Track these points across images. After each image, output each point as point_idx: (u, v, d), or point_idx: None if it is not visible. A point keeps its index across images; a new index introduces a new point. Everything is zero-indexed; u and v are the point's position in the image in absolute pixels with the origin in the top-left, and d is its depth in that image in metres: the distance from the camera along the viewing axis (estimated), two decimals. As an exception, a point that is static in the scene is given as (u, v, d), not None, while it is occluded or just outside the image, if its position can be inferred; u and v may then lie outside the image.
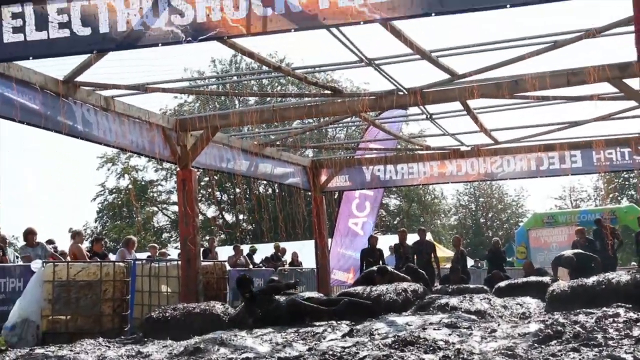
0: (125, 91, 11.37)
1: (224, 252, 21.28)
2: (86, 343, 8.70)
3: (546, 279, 12.47)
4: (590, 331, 6.83)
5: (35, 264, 11.43)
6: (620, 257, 26.58)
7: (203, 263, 13.09)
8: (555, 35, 10.12)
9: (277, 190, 40.60)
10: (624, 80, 10.97)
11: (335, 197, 24.32)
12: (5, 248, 13.49)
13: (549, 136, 15.58)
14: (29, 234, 13.41)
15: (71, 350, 8.07)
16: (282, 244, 23.18)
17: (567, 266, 13.93)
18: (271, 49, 38.86)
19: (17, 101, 9.32)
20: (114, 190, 46.83)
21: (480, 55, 10.73)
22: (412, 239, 18.21)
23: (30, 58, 7.55)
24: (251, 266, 18.99)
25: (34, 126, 9.83)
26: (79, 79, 10.26)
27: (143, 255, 17.35)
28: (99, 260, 12.96)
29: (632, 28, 8.79)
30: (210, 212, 46.95)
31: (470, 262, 23.44)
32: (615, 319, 7.33)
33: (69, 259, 13.32)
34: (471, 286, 13.02)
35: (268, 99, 15.65)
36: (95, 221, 48.69)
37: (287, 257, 22.07)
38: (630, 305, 8.01)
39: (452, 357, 6.19)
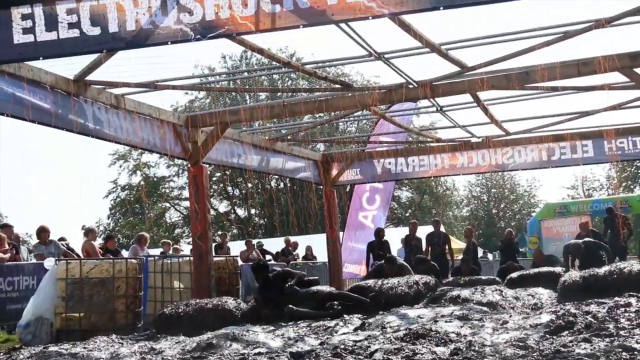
0: (135, 89, 11.41)
1: (236, 247, 21.36)
2: (99, 340, 8.75)
3: (558, 269, 12.47)
4: (602, 321, 6.84)
5: (48, 262, 11.50)
6: (632, 247, 26.52)
7: (215, 258, 13.13)
8: (565, 26, 10.08)
9: (288, 185, 40.64)
10: (635, 70, 10.93)
11: (347, 190, 24.34)
12: (19, 246, 13.59)
13: (560, 126, 15.53)
14: (42, 232, 13.49)
15: (85, 348, 8.13)
16: (294, 238, 23.23)
17: (576, 254, 13.90)
18: (281, 44, 38.95)
19: (29, 101, 9.38)
20: (126, 187, 47.00)
21: (490, 47, 10.72)
22: (423, 230, 18.23)
23: (41, 58, 7.57)
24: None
25: (46, 125, 9.90)
26: (90, 77, 10.31)
27: (156, 252, 17.41)
28: (111, 257, 13.03)
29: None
30: (223, 207, 47.10)
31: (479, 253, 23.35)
32: (627, 309, 7.34)
33: (82, 256, 13.40)
34: (483, 277, 13.02)
35: (278, 94, 15.64)
36: (108, 218, 48.98)
37: (299, 251, 22.13)
38: (642, 295, 8.03)
39: (464, 349, 6.21)
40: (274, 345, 7.53)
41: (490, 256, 30.14)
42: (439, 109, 14.00)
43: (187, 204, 43.25)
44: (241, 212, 47.23)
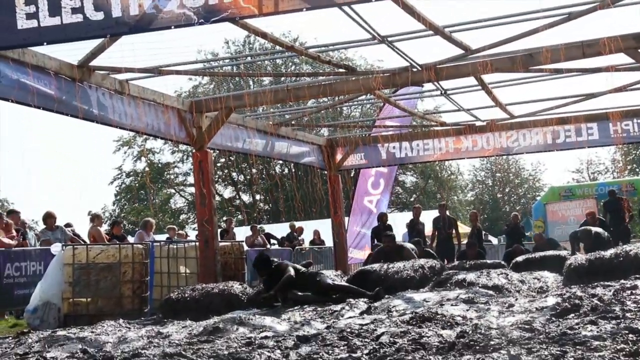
0: (139, 74, 11.40)
1: (241, 233, 21.39)
2: (107, 324, 8.79)
3: (563, 253, 12.46)
4: (608, 304, 6.84)
5: (55, 247, 11.54)
6: (638, 230, 26.49)
7: (221, 243, 13.16)
8: (569, 7, 10.03)
9: (293, 170, 40.64)
10: (640, 51, 10.90)
11: (352, 175, 24.32)
12: (26, 232, 13.62)
13: (565, 109, 15.49)
14: (49, 218, 13.53)
15: (92, 332, 8.16)
16: (299, 224, 23.25)
17: (586, 240, 13.86)
18: (284, 28, 38.89)
19: (33, 87, 9.39)
20: (131, 174, 47.07)
21: (494, 29, 10.68)
22: (429, 215, 18.23)
23: (45, 43, 7.56)
24: (269, 246, 19.07)
25: (50, 111, 9.91)
26: (93, 63, 10.31)
27: (162, 238, 17.44)
28: (117, 242, 13.06)
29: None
30: (227, 193, 47.16)
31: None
32: (633, 291, 7.34)
33: (88, 241, 13.44)
34: (488, 261, 13.02)
35: (282, 79, 15.60)
36: (113, 204, 49.09)
37: (305, 236, 22.13)
38: (649, 278, 8.04)
39: (470, 332, 6.22)
40: (281, 329, 7.55)
41: (495, 240, 30.13)
42: (443, 92, 13.97)
43: (192, 190, 43.28)
44: (246, 197, 47.29)
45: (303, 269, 10.64)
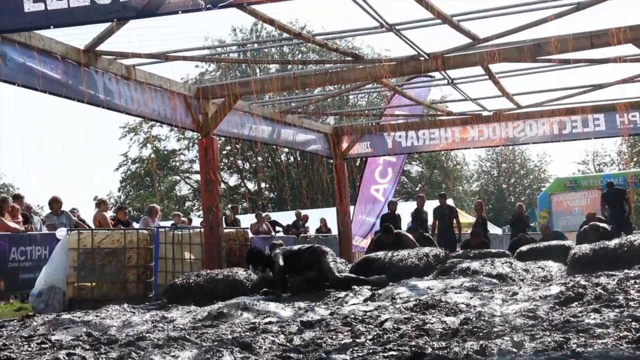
0: (146, 60, 11.40)
1: (246, 220, 21.41)
2: (112, 309, 8.82)
3: (568, 242, 12.45)
4: (612, 292, 6.84)
5: (61, 232, 11.58)
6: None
7: (226, 230, 13.18)
8: (578, -3, 10.01)
9: (298, 159, 40.63)
10: (648, 42, 10.86)
11: (357, 164, 24.29)
12: (31, 217, 13.65)
13: (572, 100, 15.46)
14: (54, 203, 13.56)
15: (97, 316, 8.19)
16: (305, 212, 23.28)
17: (594, 238, 13.85)
18: (291, 16, 38.77)
19: (39, 71, 9.39)
20: (137, 160, 47.12)
21: (502, 19, 10.65)
22: (433, 205, 18.24)
23: (51, 27, 7.56)
24: (273, 233, 19.10)
25: (57, 95, 9.90)
26: (100, 48, 10.30)
27: (167, 224, 17.47)
28: (122, 228, 13.09)
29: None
30: (233, 180, 47.18)
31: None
32: (637, 281, 7.35)
33: (93, 227, 13.47)
34: (493, 250, 13.02)
35: (289, 66, 15.58)
36: (119, 190, 49.18)
37: (310, 225, 22.16)
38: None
39: (474, 319, 6.23)
40: (285, 314, 7.58)
41: (499, 231, 30.13)
42: (450, 81, 13.95)
43: (197, 177, 43.29)
44: (251, 185, 47.34)
45: (298, 247, 10.71)
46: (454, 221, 17.38)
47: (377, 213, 18.88)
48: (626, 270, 8.13)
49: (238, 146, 38.55)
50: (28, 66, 9.26)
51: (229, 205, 22.31)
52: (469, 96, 15.22)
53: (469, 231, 17.71)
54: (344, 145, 17.84)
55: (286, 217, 23.75)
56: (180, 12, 7.04)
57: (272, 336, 6.09)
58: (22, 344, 6.37)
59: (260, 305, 8.04)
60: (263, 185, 46.39)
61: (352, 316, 6.98)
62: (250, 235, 15.44)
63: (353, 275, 10.46)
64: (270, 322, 6.95)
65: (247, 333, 6.38)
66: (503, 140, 17.10)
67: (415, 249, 11.67)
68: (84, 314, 8.45)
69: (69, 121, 76.28)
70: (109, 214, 15.49)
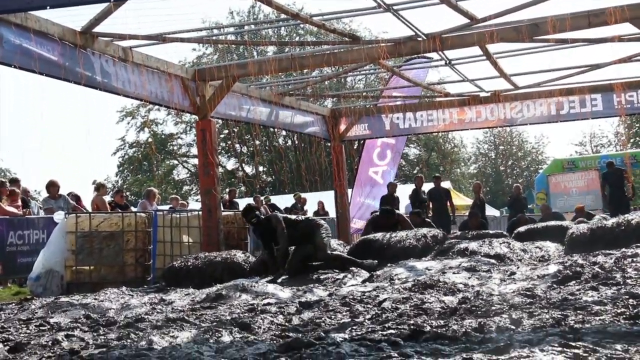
0: (143, 41, 11.33)
1: (244, 204, 21.39)
2: (110, 292, 8.85)
3: (565, 223, 12.46)
4: (609, 271, 6.86)
5: (58, 215, 11.59)
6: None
7: (224, 213, 13.17)
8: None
9: (296, 142, 40.59)
10: (646, 21, 10.81)
11: (356, 147, 24.26)
12: (29, 201, 13.65)
13: (570, 80, 15.42)
14: (51, 186, 13.54)
15: (95, 299, 8.21)
16: (303, 195, 23.28)
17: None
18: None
19: (36, 52, 9.32)
20: (134, 144, 47.04)
21: (500, -2, 10.62)
22: (429, 187, 18.26)
23: (48, 7, 7.48)
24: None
25: (53, 77, 9.82)
26: (97, 29, 10.22)
27: (165, 209, 17.47)
28: (120, 211, 13.09)
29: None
30: (230, 164, 47.17)
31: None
32: (634, 259, 7.36)
33: (90, 210, 13.46)
34: (490, 232, 13.03)
35: (286, 49, 15.51)
36: (116, 175, 49.16)
37: (308, 207, 22.15)
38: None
39: (472, 298, 6.25)
40: (283, 296, 7.60)
41: (497, 212, 30.16)
42: (447, 62, 13.91)
43: (195, 161, 43.32)
44: (249, 169, 47.33)
45: (294, 217, 10.73)
46: (448, 203, 17.41)
47: (377, 195, 18.88)
48: (623, 249, 8.14)
49: (235, 129, 38.54)
50: (25, 48, 9.18)
51: (227, 190, 22.31)
52: (466, 77, 15.19)
53: (467, 213, 17.73)
54: (342, 127, 17.81)
55: (284, 201, 23.74)
56: (176, -8, 7.00)
57: (271, 316, 6.11)
58: (20, 326, 6.40)
59: (258, 286, 8.07)
60: (261, 168, 46.39)
61: (351, 297, 7.00)
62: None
63: (344, 255, 10.49)
64: (269, 303, 6.97)
65: (246, 314, 6.40)
66: (501, 122, 17.07)
67: (413, 230, 11.67)
68: (82, 297, 8.48)
69: (65, 104, 76.03)
70: (107, 198, 15.48)
